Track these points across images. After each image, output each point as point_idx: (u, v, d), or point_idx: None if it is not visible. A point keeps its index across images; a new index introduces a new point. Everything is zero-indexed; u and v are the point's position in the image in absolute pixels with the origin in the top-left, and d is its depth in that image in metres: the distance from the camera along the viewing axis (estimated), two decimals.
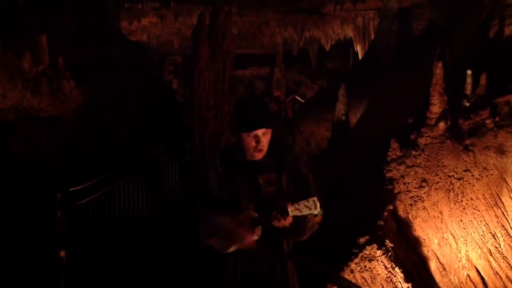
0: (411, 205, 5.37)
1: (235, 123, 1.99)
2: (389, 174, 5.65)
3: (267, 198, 1.96)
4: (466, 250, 5.22)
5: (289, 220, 1.83)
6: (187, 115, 8.38)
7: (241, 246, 1.90)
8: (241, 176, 1.99)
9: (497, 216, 5.17)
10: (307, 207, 1.81)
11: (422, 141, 5.64)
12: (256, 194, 1.96)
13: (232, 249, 1.92)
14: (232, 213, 1.91)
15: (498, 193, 5.20)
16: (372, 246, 5.04)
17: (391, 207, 5.41)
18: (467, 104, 6.12)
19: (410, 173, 5.53)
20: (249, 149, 1.96)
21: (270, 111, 2.11)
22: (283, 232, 1.94)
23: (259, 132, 1.93)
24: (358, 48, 15.62)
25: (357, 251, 5.06)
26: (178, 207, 6.16)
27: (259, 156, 1.98)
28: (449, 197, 5.30)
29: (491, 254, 5.16)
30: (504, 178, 5.17)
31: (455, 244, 5.24)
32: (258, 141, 1.94)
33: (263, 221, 1.88)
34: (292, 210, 1.82)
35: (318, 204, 1.82)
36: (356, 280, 4.91)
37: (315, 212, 1.82)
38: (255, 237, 1.90)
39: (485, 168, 5.27)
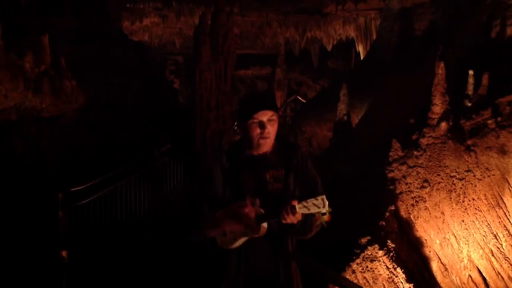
0: (412, 205, 5.36)
1: (239, 115, 1.96)
2: (390, 174, 5.64)
3: (273, 194, 1.94)
4: (468, 251, 5.21)
5: (298, 217, 1.81)
6: (189, 116, 8.39)
7: (249, 234, 1.89)
8: (247, 173, 1.96)
9: (499, 217, 5.17)
10: (315, 205, 1.79)
11: (424, 141, 5.63)
12: (262, 190, 1.94)
13: (236, 244, 1.91)
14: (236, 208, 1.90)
15: (500, 194, 5.19)
16: (373, 246, 5.03)
17: (392, 208, 5.40)
18: (469, 104, 6.11)
19: (412, 173, 5.52)
20: (254, 138, 1.92)
21: (274, 97, 2.09)
22: (290, 230, 1.92)
23: (263, 117, 1.90)
24: (360, 48, 15.61)
25: (358, 251, 5.06)
26: (181, 206, 6.17)
27: (265, 145, 1.94)
28: (451, 198, 5.29)
29: (493, 255, 5.16)
30: (506, 179, 5.16)
31: (457, 244, 5.23)
32: (263, 126, 1.90)
33: (269, 217, 1.86)
34: (300, 208, 1.80)
35: (327, 203, 1.80)
36: (358, 280, 4.90)
37: (324, 211, 1.80)
38: (261, 233, 1.88)
39: (487, 168, 5.27)
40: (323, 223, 1.90)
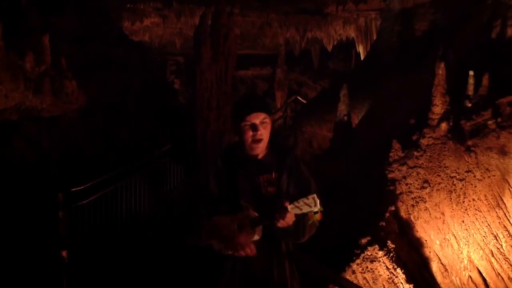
0: (413, 206, 5.36)
1: (233, 116, 2.00)
2: (391, 175, 5.64)
3: (267, 197, 1.96)
4: (468, 251, 5.21)
5: (291, 217, 1.82)
6: (190, 116, 8.39)
7: (240, 254, 1.89)
8: (241, 176, 1.98)
9: (499, 217, 5.16)
10: (306, 204, 1.80)
11: (424, 141, 5.63)
12: (256, 194, 1.96)
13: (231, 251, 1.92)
14: (232, 213, 1.90)
15: (500, 194, 5.18)
16: (373, 247, 5.03)
17: (393, 208, 5.40)
18: (469, 105, 6.11)
19: (412, 174, 5.52)
20: (247, 141, 1.95)
21: (267, 100, 2.10)
22: (284, 233, 1.93)
23: (256, 119, 1.92)
24: (360, 49, 15.62)
25: (358, 251, 5.06)
26: (181, 206, 6.17)
27: (258, 148, 1.96)
28: (451, 198, 5.29)
29: (493, 255, 5.15)
30: (506, 179, 5.16)
31: (457, 245, 5.23)
32: (255, 129, 1.92)
33: (263, 220, 1.87)
34: (292, 208, 1.81)
35: (318, 201, 1.81)
36: (358, 281, 4.90)
37: (315, 210, 1.82)
38: (256, 237, 1.89)
39: (487, 169, 5.26)
40: (316, 222, 1.91)
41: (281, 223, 1.83)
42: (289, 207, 1.81)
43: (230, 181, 1.97)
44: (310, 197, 1.80)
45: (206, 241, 1.93)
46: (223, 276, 1.98)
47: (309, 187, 2.00)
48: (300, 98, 15.35)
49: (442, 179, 5.39)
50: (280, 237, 1.98)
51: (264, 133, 1.94)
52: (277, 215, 1.81)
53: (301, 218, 1.88)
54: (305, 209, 1.81)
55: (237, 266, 1.97)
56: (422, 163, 5.54)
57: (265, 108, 1.96)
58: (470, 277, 5.23)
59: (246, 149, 1.98)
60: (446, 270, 5.23)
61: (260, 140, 1.94)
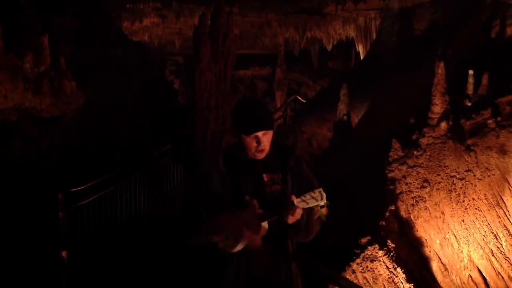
0: (413, 205, 5.36)
1: (235, 125, 1.99)
2: (391, 174, 5.64)
3: (271, 196, 1.96)
4: (468, 251, 5.21)
5: (299, 212, 1.82)
6: (189, 116, 8.38)
7: (248, 246, 1.88)
8: (245, 175, 1.98)
9: (499, 216, 5.16)
10: (313, 198, 1.80)
11: (423, 141, 5.63)
12: (260, 193, 1.96)
13: (238, 248, 1.90)
14: (236, 211, 1.90)
15: (500, 193, 5.18)
16: (373, 246, 5.03)
17: (393, 208, 5.40)
18: (469, 104, 6.11)
19: (412, 173, 5.52)
20: (250, 149, 1.96)
21: (270, 112, 2.10)
22: (297, 230, 1.94)
23: (259, 133, 1.93)
24: (360, 48, 15.62)
25: (358, 251, 5.06)
26: (181, 206, 6.17)
27: (260, 156, 1.98)
28: (451, 198, 5.29)
29: (493, 255, 5.15)
30: (506, 178, 5.16)
31: (457, 244, 5.23)
32: (258, 141, 1.93)
33: (270, 215, 1.86)
34: (298, 202, 1.80)
35: (324, 195, 1.80)
36: (358, 280, 4.90)
37: (322, 203, 1.80)
38: (261, 234, 1.88)
39: (487, 168, 5.26)
40: (322, 216, 1.91)
41: (290, 219, 1.83)
42: (296, 201, 1.80)
43: (233, 181, 1.97)
44: (316, 191, 1.80)
45: (210, 240, 1.91)
46: (228, 277, 1.97)
47: (312, 183, 2.01)
48: (299, 98, 15.33)
49: (442, 178, 5.39)
50: (293, 236, 1.98)
51: (266, 141, 1.96)
52: (285, 210, 1.81)
53: (309, 213, 1.88)
54: (312, 203, 1.80)
55: (242, 267, 1.96)
56: (422, 163, 5.54)
57: (271, 125, 1.96)
58: (470, 276, 5.23)
59: (248, 154, 1.99)
60: (446, 269, 5.24)
61: (263, 149, 1.96)
